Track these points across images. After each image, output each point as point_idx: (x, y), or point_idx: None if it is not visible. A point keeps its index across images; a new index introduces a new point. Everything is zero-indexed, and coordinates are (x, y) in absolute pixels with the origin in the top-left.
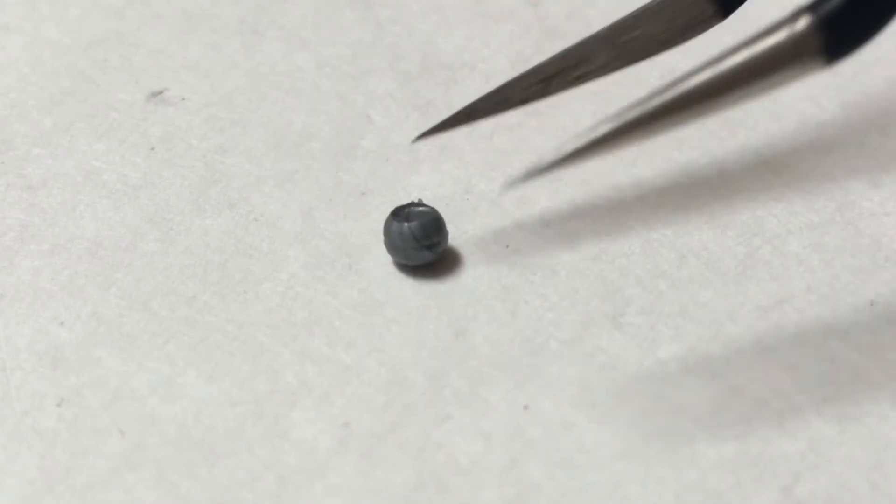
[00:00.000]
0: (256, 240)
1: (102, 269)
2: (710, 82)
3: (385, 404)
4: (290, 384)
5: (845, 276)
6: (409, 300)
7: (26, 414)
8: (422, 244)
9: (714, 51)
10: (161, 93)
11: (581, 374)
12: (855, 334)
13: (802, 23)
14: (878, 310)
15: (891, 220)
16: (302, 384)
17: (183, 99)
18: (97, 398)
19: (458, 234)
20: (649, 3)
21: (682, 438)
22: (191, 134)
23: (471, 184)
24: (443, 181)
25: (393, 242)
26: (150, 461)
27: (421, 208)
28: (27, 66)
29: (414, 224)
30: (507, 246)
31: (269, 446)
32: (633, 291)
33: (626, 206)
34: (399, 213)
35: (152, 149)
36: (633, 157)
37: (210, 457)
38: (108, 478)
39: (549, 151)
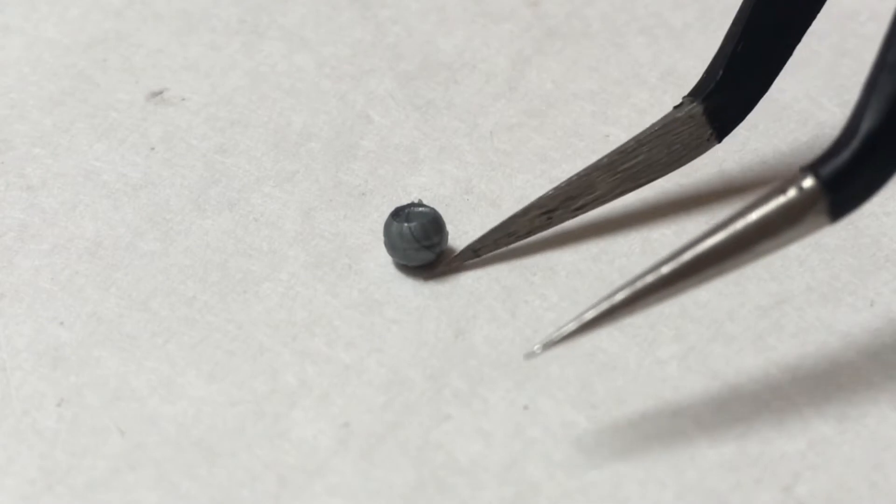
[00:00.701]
0: (256, 240)
1: (102, 269)
2: (720, 245)
3: (385, 404)
4: (290, 384)
5: (845, 276)
6: (409, 300)
7: (26, 414)
8: (422, 244)
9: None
10: (161, 93)
11: (581, 374)
12: (855, 334)
13: (807, 183)
14: (878, 310)
15: (891, 220)
16: (302, 384)
17: (183, 99)
18: (97, 398)
19: (458, 234)
20: (648, 130)
21: (682, 438)
22: (191, 134)
23: (471, 184)
24: (443, 181)
25: (393, 243)
26: (150, 461)
27: (421, 209)
28: (27, 66)
29: (414, 224)
30: (508, 246)
31: (269, 446)
32: None
33: (626, 206)
34: (399, 214)
35: (152, 149)
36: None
37: (210, 457)
38: (108, 478)
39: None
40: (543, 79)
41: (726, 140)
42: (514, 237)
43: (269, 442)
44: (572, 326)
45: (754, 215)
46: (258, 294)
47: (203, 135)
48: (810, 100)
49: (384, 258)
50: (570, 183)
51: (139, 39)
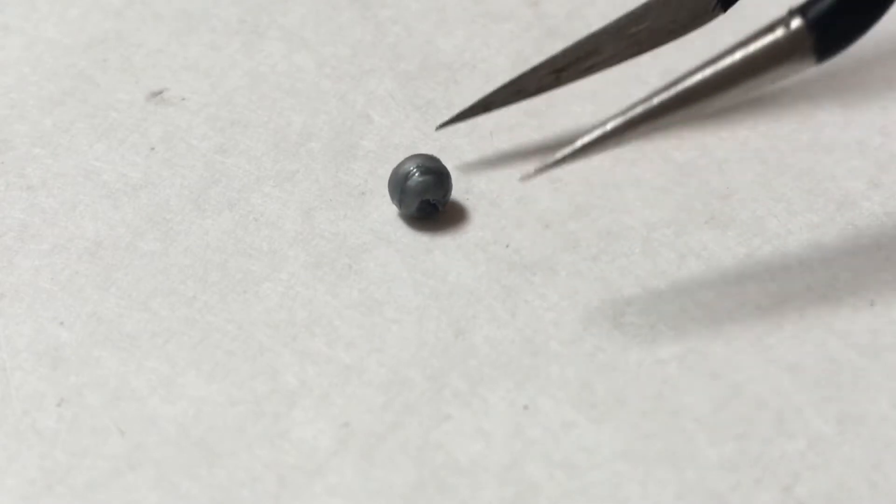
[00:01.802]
0: (256, 240)
1: (102, 269)
2: (710, 80)
3: (385, 404)
4: (290, 384)
5: (845, 276)
6: (409, 300)
7: (26, 414)
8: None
9: (712, 42)
10: (161, 93)
11: (581, 374)
12: (855, 334)
13: (795, 23)
14: (878, 310)
15: (891, 220)
16: (302, 384)
17: (183, 99)
18: (97, 398)
19: (458, 235)
20: None
21: (682, 438)
22: (191, 134)
23: (471, 184)
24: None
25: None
26: (150, 461)
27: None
28: (27, 66)
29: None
30: (507, 246)
31: (269, 446)
32: (633, 291)
33: (626, 206)
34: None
35: (152, 149)
36: (634, 156)
37: (210, 457)
38: (108, 478)
39: (560, 146)
40: None
41: (726, 140)
42: (522, 94)
43: (269, 442)
44: (566, 151)
45: (743, 52)
46: (258, 294)
47: (203, 135)
48: (810, 100)
49: (384, 258)
50: (578, 44)
51: (139, 39)
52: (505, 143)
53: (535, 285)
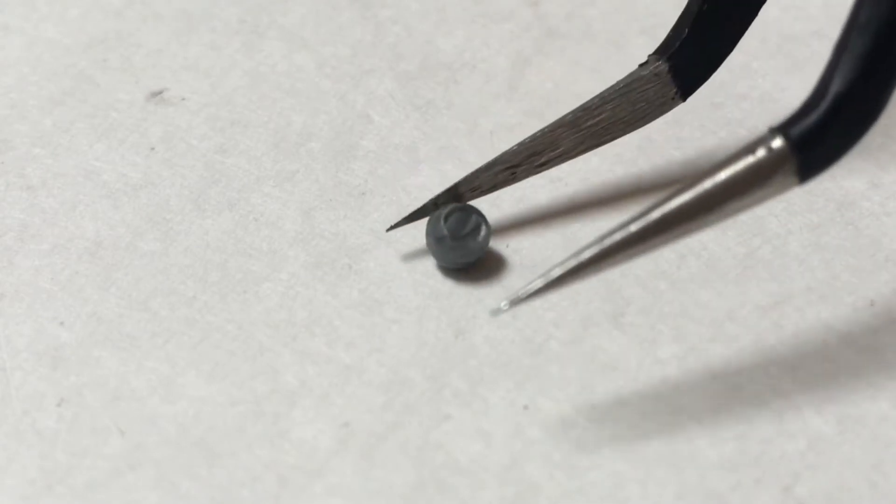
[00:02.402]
0: (256, 240)
1: (102, 269)
2: (688, 205)
3: (385, 404)
4: (290, 384)
5: (845, 276)
6: (409, 300)
7: (26, 414)
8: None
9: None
10: (161, 93)
11: (581, 374)
12: (855, 334)
13: (776, 143)
14: (878, 310)
15: (891, 220)
16: (302, 384)
17: (183, 99)
18: (97, 398)
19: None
20: (613, 87)
21: (682, 438)
22: (191, 134)
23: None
24: (443, 181)
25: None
26: (150, 461)
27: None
28: (27, 66)
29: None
30: (507, 246)
31: (269, 446)
32: (633, 291)
33: (626, 206)
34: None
35: (152, 149)
36: (633, 156)
37: (210, 457)
38: (108, 478)
39: (535, 278)
40: (543, 79)
41: (725, 140)
42: (477, 192)
43: (269, 442)
44: (539, 283)
45: (723, 175)
46: (258, 294)
47: (203, 135)
48: None
49: (384, 258)
50: (533, 139)
51: (139, 39)
52: (505, 143)
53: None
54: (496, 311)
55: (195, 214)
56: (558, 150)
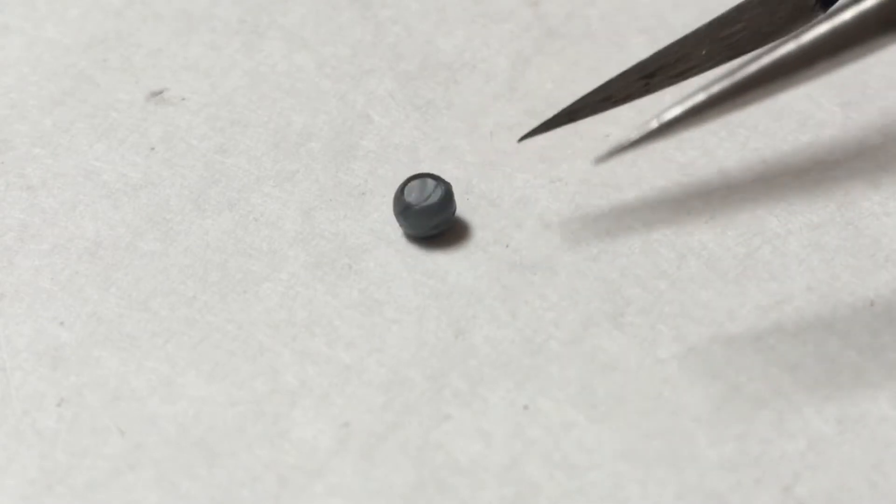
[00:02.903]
0: (256, 240)
1: (102, 269)
2: (796, 53)
3: (385, 404)
4: (290, 384)
5: (845, 276)
6: (409, 300)
7: (26, 414)
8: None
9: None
10: (161, 93)
11: (581, 374)
12: (855, 334)
13: None
14: (878, 310)
15: (891, 220)
16: (302, 384)
17: (183, 99)
18: (97, 398)
19: (458, 235)
20: None
21: (682, 438)
22: (191, 134)
23: (471, 184)
24: None
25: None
26: (150, 461)
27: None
28: (27, 66)
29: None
30: (507, 246)
31: (269, 446)
32: (633, 291)
33: (626, 206)
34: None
35: (152, 149)
36: (633, 156)
37: (210, 457)
38: (108, 478)
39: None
40: (543, 79)
41: (725, 140)
42: (610, 101)
43: (269, 442)
44: (644, 130)
45: (829, 25)
46: (258, 294)
47: (203, 135)
48: (810, 100)
49: (384, 258)
50: (668, 49)
51: (139, 39)
52: (505, 143)
53: (535, 285)
54: (599, 159)
55: (195, 214)
56: (694, 61)
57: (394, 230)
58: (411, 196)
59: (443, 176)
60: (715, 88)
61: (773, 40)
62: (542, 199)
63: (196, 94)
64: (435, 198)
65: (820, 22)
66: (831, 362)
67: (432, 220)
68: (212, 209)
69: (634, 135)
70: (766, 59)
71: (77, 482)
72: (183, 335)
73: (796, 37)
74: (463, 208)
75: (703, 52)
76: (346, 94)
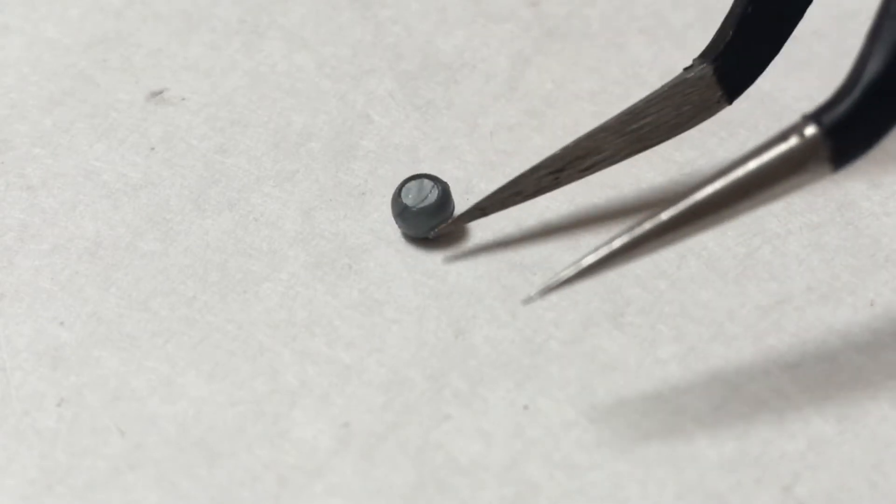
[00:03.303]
0: (256, 240)
1: (102, 269)
2: (720, 193)
3: (385, 404)
4: (290, 384)
5: (845, 276)
6: (409, 300)
7: (26, 414)
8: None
9: (711, 167)
10: (161, 93)
11: (581, 374)
12: (855, 334)
13: (810, 131)
14: (878, 310)
15: (891, 220)
16: (302, 384)
17: (183, 99)
18: (97, 398)
19: (458, 235)
20: (657, 91)
21: (682, 438)
22: (191, 134)
23: (471, 184)
24: None
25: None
26: (150, 461)
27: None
28: (27, 66)
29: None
30: (507, 246)
31: (269, 446)
32: (633, 291)
33: (625, 206)
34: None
35: (152, 149)
36: (634, 158)
37: (210, 457)
38: (108, 478)
39: (566, 266)
40: (543, 79)
41: (726, 140)
42: (521, 196)
43: (269, 442)
44: (570, 272)
45: (755, 163)
46: (258, 294)
47: (203, 135)
48: (810, 100)
49: (384, 258)
50: (577, 143)
51: (139, 39)
52: (505, 143)
53: (535, 285)
54: (528, 300)
55: (195, 214)
56: (603, 154)
57: (394, 230)
58: (408, 197)
59: (443, 176)
60: (639, 230)
61: (679, 132)
62: (541, 199)
63: (196, 94)
64: (432, 198)
65: (745, 160)
66: (831, 362)
67: (430, 220)
68: (212, 209)
69: (564, 275)
70: (694, 198)
71: (77, 482)
72: (183, 335)
73: (721, 176)
74: (462, 208)
75: (612, 146)
76: (346, 94)
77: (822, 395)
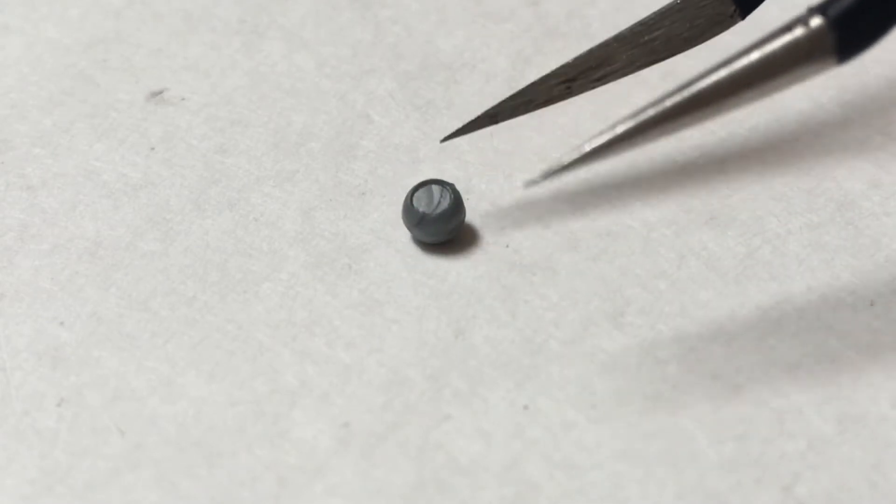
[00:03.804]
0: (256, 240)
1: (102, 269)
2: (726, 81)
3: (385, 404)
4: (290, 384)
5: (845, 276)
6: (409, 300)
7: (26, 414)
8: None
9: (731, 48)
10: (161, 93)
11: (581, 374)
12: (855, 334)
13: (815, 22)
14: (878, 310)
15: (891, 220)
16: (302, 384)
17: (183, 99)
18: (97, 398)
19: (458, 234)
20: (671, 4)
21: (682, 438)
22: (191, 134)
23: (471, 184)
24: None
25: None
26: (150, 461)
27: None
28: (27, 66)
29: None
30: (507, 246)
31: (269, 446)
32: (633, 291)
33: (626, 205)
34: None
35: (152, 149)
36: (633, 156)
37: (210, 457)
38: (108, 478)
39: (568, 150)
40: None
41: (726, 140)
42: (532, 104)
43: (269, 442)
44: (574, 156)
45: (759, 52)
46: (258, 294)
47: (203, 135)
48: (810, 100)
49: (384, 258)
50: (590, 53)
51: (139, 39)
52: (505, 143)
53: (535, 285)
54: (530, 183)
55: (195, 214)
56: (615, 66)
57: (394, 230)
58: (421, 205)
59: (443, 176)
60: (643, 115)
61: (691, 46)
62: (542, 199)
63: (196, 94)
64: (446, 203)
65: (750, 50)
66: (831, 362)
67: (448, 224)
68: (212, 209)
69: (566, 158)
70: (698, 86)
71: (77, 482)
72: (183, 335)
73: (727, 64)
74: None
75: (624, 57)
76: (346, 94)
77: (822, 395)
